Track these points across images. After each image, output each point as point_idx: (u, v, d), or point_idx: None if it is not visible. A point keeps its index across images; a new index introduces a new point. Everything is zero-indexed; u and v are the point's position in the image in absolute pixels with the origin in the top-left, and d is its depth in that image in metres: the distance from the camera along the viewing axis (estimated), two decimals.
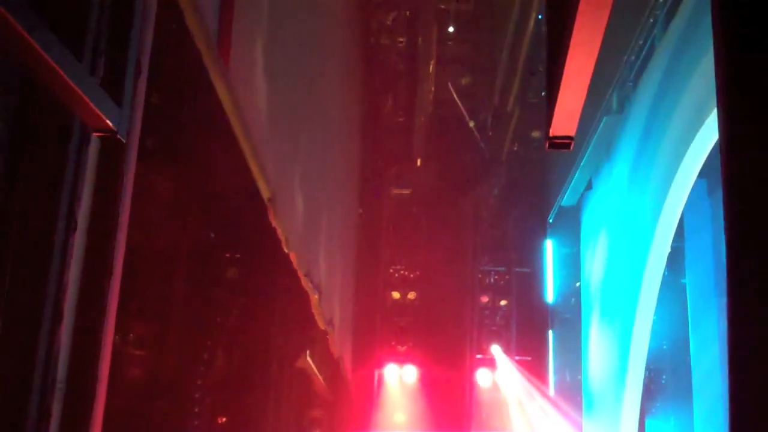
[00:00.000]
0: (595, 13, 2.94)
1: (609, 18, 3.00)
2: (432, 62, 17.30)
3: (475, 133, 18.52)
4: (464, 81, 18.26)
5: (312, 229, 11.64)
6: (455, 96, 17.99)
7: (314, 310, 11.44)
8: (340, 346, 14.16)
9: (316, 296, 11.14)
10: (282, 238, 9.44)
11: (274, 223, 9.06)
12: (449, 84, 17.86)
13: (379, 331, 18.81)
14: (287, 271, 10.61)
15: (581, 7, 2.91)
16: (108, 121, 3.53)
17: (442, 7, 17.12)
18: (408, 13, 16.73)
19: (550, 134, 3.67)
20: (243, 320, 11.47)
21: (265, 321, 11.29)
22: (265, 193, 8.82)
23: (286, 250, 9.68)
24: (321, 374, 13.51)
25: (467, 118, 18.42)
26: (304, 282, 10.57)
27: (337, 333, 13.52)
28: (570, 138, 3.70)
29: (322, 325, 12.02)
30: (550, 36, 3.59)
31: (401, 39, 17.04)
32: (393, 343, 18.86)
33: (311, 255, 11.26)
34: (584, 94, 3.42)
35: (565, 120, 3.59)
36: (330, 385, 14.61)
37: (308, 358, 12.55)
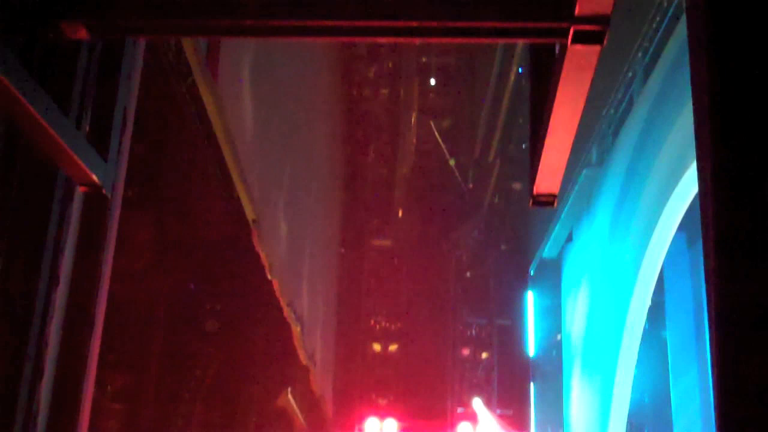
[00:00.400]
0: (578, 75, 2.99)
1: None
2: (413, 114, 17.43)
3: (456, 173, 18.60)
4: (445, 131, 18.40)
5: (295, 259, 11.61)
6: (436, 133, 18.09)
7: (296, 343, 11.31)
8: (322, 384, 14.00)
9: (299, 328, 11.03)
10: (266, 263, 9.39)
11: (258, 248, 9.02)
12: (431, 123, 17.97)
13: (360, 384, 18.67)
14: (269, 309, 10.56)
15: (565, 69, 2.96)
16: (93, 176, 3.52)
17: (424, 60, 17.31)
18: (390, 65, 16.90)
19: (534, 192, 3.70)
20: (222, 372, 11.35)
21: (245, 371, 11.18)
22: (249, 215, 8.82)
23: (269, 277, 9.62)
24: (302, 413, 13.30)
25: (448, 156, 18.53)
26: (287, 312, 10.47)
27: (319, 370, 13.37)
28: (554, 195, 3.73)
29: (304, 359, 11.88)
30: (534, 96, 3.63)
31: (383, 91, 17.19)
32: (374, 395, 18.72)
33: (294, 284, 11.20)
34: (567, 153, 3.46)
35: (548, 178, 3.62)
36: (311, 428, 14.42)
37: (289, 396, 12.37)
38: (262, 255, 9.13)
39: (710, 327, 2.24)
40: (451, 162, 18.60)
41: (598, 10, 2.74)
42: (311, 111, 12.98)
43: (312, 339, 12.47)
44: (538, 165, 3.54)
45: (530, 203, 3.77)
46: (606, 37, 2.82)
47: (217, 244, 10.99)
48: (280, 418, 12.63)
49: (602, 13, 2.76)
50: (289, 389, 12.37)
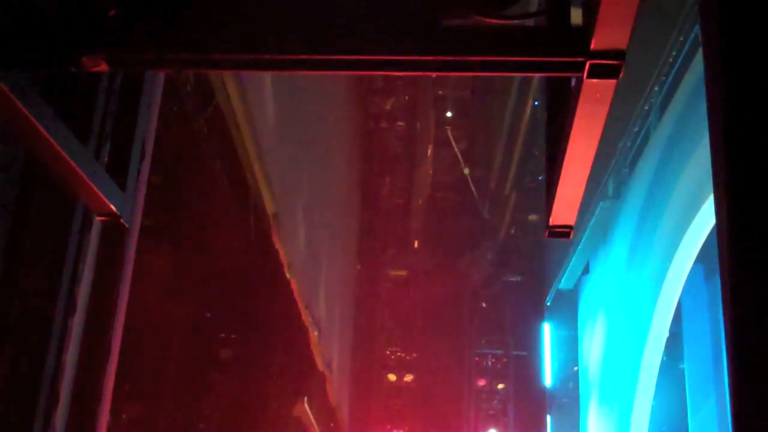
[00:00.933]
0: (594, 108, 3.00)
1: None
2: (430, 146, 17.48)
3: (471, 185, 18.57)
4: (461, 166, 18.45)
5: (313, 260, 11.61)
6: (452, 142, 18.08)
7: (314, 348, 11.24)
8: (338, 395, 13.89)
9: (316, 333, 10.97)
10: (284, 261, 9.40)
11: (276, 245, 9.04)
12: (448, 131, 17.98)
13: (375, 415, 18.58)
14: (286, 321, 10.55)
15: (581, 102, 2.97)
16: (112, 206, 3.55)
17: (440, 92, 17.39)
18: (407, 98, 16.98)
19: (550, 223, 3.69)
20: (237, 401, 11.34)
21: (261, 393, 11.16)
22: (270, 208, 8.88)
23: (288, 276, 9.63)
24: (318, 424, 13.15)
25: (462, 165, 18.52)
26: (304, 315, 10.44)
27: (336, 379, 13.27)
28: (570, 227, 3.72)
29: (321, 365, 11.80)
30: (550, 127, 3.64)
31: (400, 123, 17.25)
32: (389, 427, 18.63)
33: (312, 286, 11.17)
34: (584, 185, 3.46)
35: (564, 210, 3.61)
36: None
37: (305, 405, 12.24)
38: (281, 252, 9.19)
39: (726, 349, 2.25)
40: (466, 171, 18.58)
41: (614, 44, 2.75)
42: (330, 139, 13.08)
43: (329, 346, 12.38)
44: (554, 197, 3.54)
45: (546, 234, 3.77)
46: (622, 71, 2.83)
47: (232, 282, 11.05)
48: (295, 428, 12.52)
49: (618, 47, 2.76)
50: (306, 398, 12.27)
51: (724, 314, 2.31)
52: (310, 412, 12.41)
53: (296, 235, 10.38)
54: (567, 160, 3.30)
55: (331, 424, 14.36)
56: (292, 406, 12.01)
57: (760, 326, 2.24)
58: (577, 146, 3.21)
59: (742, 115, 2.42)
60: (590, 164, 3.35)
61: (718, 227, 2.45)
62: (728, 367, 2.25)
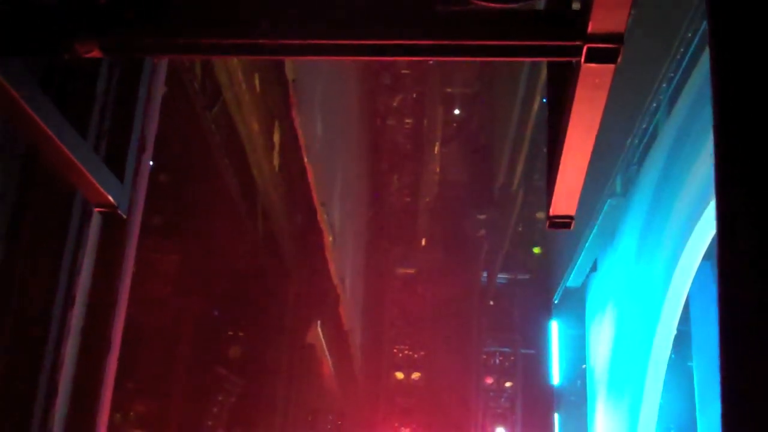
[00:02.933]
0: (593, 94, 2.97)
1: (612, 101, 3.03)
2: (437, 143, 17.45)
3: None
4: (469, 160, 18.43)
5: (331, 157, 11.99)
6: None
7: (328, 255, 11.17)
8: (350, 318, 13.79)
9: (331, 238, 10.94)
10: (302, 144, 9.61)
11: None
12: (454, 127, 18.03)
13: (383, 412, 18.56)
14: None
15: (579, 88, 2.94)
16: (109, 197, 3.54)
17: (448, 90, 17.34)
18: (414, 95, 16.94)
19: (550, 213, 3.66)
20: (245, 400, 11.35)
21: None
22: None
23: (305, 159, 9.88)
24: (329, 348, 13.00)
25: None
26: (320, 215, 10.48)
27: (348, 300, 13.18)
28: (570, 217, 3.69)
29: (335, 278, 11.74)
30: (550, 116, 3.61)
31: (407, 120, 17.22)
32: (396, 424, 18.60)
33: (329, 185, 11.42)
34: (583, 174, 3.43)
35: (565, 199, 3.58)
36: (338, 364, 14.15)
37: (318, 329, 12.12)
38: (299, 134, 9.50)
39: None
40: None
41: (611, 28, 2.72)
42: (343, 132, 13.19)
43: (343, 259, 12.32)
44: (554, 186, 3.51)
45: (547, 225, 3.74)
46: (620, 55, 2.80)
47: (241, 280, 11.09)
48: (308, 354, 12.43)
49: (616, 31, 2.73)
50: (319, 322, 12.16)
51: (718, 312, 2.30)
52: (323, 338, 12.32)
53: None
54: (566, 148, 3.27)
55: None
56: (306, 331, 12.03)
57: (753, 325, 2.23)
58: (576, 134, 3.18)
59: (743, 116, 2.40)
60: (590, 152, 3.32)
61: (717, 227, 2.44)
62: (720, 366, 2.23)
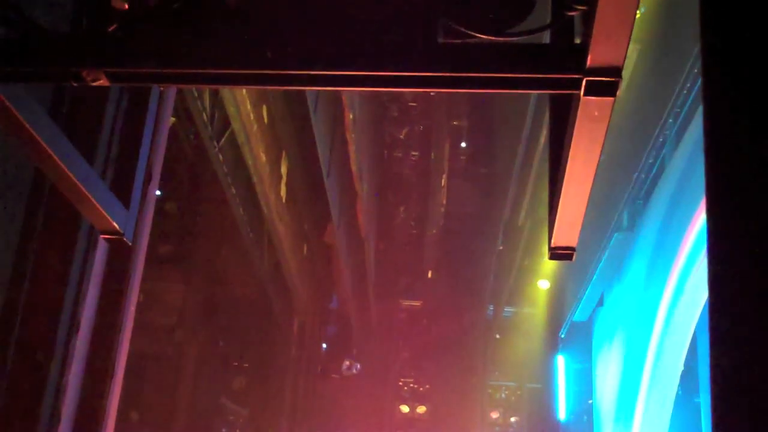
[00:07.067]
0: (592, 126, 3.00)
1: (619, 136, 3.08)
2: (444, 176, 17.50)
3: None
4: (476, 193, 18.46)
5: None
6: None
7: (348, 136, 11.05)
8: (367, 223, 13.69)
9: (351, 116, 10.81)
10: None
11: None
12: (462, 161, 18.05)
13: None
14: None
15: (578, 120, 2.97)
16: (115, 223, 3.57)
17: (455, 123, 17.43)
18: (421, 128, 17.01)
19: (552, 244, 3.68)
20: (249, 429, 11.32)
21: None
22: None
23: None
24: (347, 250, 12.88)
25: None
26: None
27: (365, 201, 13.09)
28: (571, 248, 3.71)
29: (357, 183, 11.69)
30: (552, 148, 3.65)
31: (414, 153, 17.27)
32: None
33: None
34: (584, 205, 3.45)
35: (566, 230, 3.61)
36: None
37: (334, 228, 12.04)
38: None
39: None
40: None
41: (610, 61, 2.76)
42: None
43: (361, 153, 12.29)
44: (555, 217, 3.54)
45: (549, 256, 3.76)
46: (619, 88, 2.84)
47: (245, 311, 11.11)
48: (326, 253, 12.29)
49: (614, 64, 2.77)
50: (335, 224, 12.10)
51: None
52: (338, 238, 12.26)
53: None
54: (567, 179, 3.30)
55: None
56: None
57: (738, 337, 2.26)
58: (576, 165, 3.21)
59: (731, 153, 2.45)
60: (590, 183, 3.34)
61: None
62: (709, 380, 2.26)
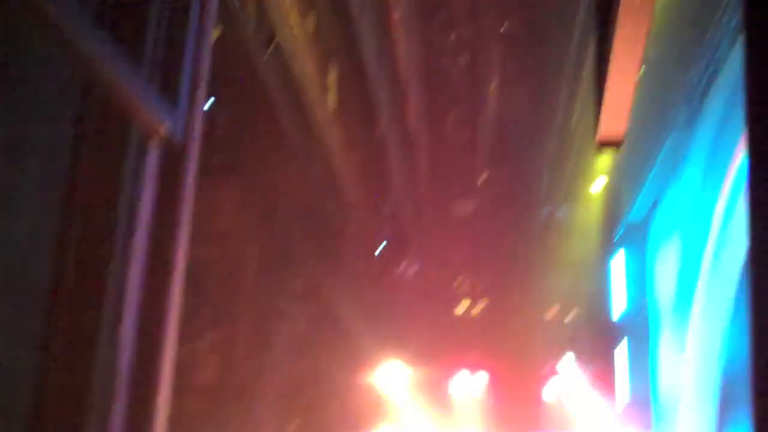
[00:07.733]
0: (637, 13, 2.96)
1: (673, 35, 3.02)
2: (494, 80, 17.34)
3: None
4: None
5: None
6: None
7: None
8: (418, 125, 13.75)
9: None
10: None
11: None
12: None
13: (446, 341, 18.72)
14: None
15: (623, 7, 2.93)
16: (164, 126, 3.61)
17: (502, 30, 17.19)
18: (469, 33, 16.80)
19: (599, 134, 3.68)
20: (310, 329, 11.59)
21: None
22: None
23: None
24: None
25: None
26: None
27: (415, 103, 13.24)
28: (619, 138, 3.70)
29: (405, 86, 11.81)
30: (598, 40, 3.60)
31: (463, 57, 17.10)
32: (462, 349, 18.76)
33: None
34: (631, 94, 3.43)
35: (613, 120, 3.59)
36: None
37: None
38: None
39: None
40: None
41: None
42: None
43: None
44: (601, 107, 3.52)
45: (596, 147, 3.76)
46: None
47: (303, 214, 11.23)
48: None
49: None
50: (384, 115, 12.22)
51: None
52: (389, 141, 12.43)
53: None
54: (612, 68, 3.27)
55: None
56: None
57: None
58: (622, 53, 3.18)
59: None
60: (637, 71, 3.32)
61: None
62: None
